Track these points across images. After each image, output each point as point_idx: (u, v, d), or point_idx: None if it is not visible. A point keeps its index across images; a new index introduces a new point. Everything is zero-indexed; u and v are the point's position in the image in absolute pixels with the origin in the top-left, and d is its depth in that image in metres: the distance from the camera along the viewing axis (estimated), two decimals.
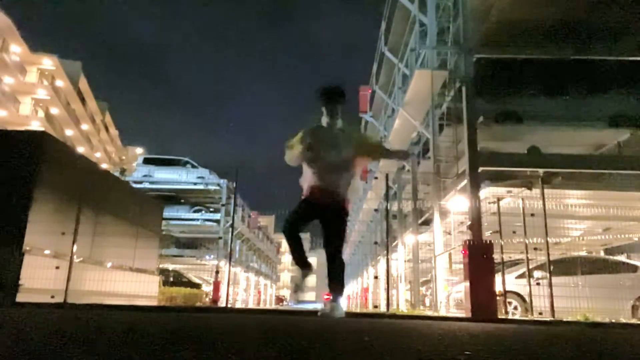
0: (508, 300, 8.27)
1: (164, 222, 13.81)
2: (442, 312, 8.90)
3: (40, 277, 6.35)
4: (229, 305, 12.54)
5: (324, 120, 3.71)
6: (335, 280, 3.54)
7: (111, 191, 9.16)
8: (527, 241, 8.29)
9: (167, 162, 21.69)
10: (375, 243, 18.39)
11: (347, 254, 39.49)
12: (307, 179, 3.67)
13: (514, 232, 9.08)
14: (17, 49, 29.68)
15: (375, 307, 16.97)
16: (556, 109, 9.84)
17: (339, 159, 3.63)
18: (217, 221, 20.48)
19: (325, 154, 3.62)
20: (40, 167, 6.66)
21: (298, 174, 3.80)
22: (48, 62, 32.10)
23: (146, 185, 20.18)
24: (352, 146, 3.71)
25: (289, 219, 3.62)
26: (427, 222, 11.88)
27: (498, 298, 7.46)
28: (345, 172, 3.68)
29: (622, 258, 11.36)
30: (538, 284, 7.90)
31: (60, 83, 33.95)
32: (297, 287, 3.86)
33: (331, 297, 3.51)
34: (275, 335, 1.99)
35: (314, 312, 6.54)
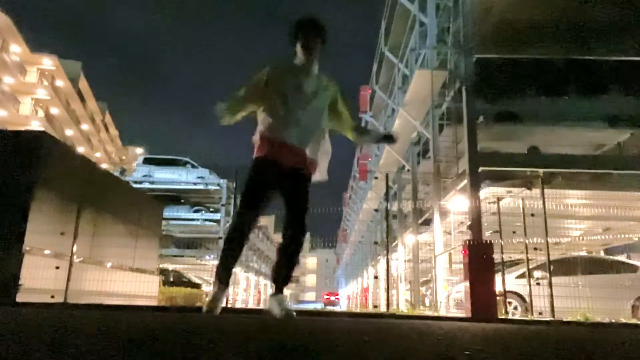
0: (508, 300, 8.27)
1: (164, 222, 13.80)
2: (442, 312, 8.90)
3: (40, 277, 6.35)
4: (229, 305, 12.54)
5: (298, 60, 2.90)
6: (290, 270, 2.95)
7: (111, 191, 9.15)
8: (527, 241, 8.29)
9: (167, 162, 21.69)
10: (375, 243, 18.39)
11: (347, 254, 39.47)
12: (264, 129, 2.87)
13: (514, 232, 9.08)
14: (17, 49, 29.70)
15: (375, 307, 16.97)
16: (556, 109, 9.84)
17: (311, 107, 2.85)
18: (217, 221, 20.48)
19: (293, 96, 2.83)
20: (40, 167, 6.65)
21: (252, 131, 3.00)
22: (48, 62, 32.13)
23: (146, 185, 20.18)
24: (328, 101, 2.97)
25: (241, 211, 2.88)
26: (427, 222, 11.88)
27: (498, 298, 7.46)
28: (317, 127, 2.93)
29: (622, 258, 11.36)
30: (538, 284, 7.90)
31: (60, 83, 33.98)
32: (212, 308, 2.84)
33: (276, 290, 2.97)
34: (275, 335, 2.00)
35: (314, 312, 6.54)
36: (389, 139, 3.19)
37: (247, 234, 2.93)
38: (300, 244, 2.89)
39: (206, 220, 20.97)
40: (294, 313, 2.89)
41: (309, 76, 2.89)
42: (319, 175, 3.07)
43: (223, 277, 2.91)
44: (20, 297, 5.90)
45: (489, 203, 9.09)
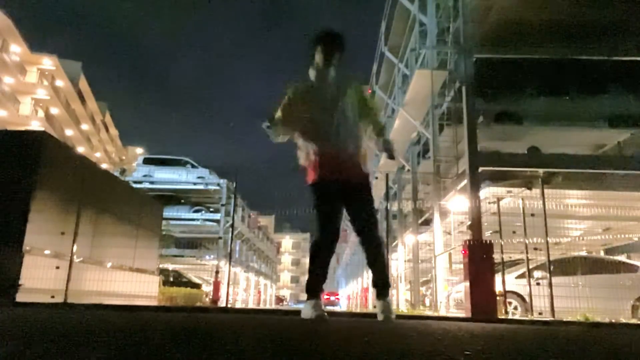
0: (508, 300, 8.27)
1: (164, 222, 13.80)
2: (442, 312, 8.90)
3: (40, 277, 6.35)
4: (229, 305, 12.54)
5: (312, 74, 3.03)
6: (382, 273, 2.97)
7: (111, 191, 9.15)
8: (527, 241, 8.28)
9: (167, 162, 21.69)
10: None
11: (347, 254, 39.49)
12: (309, 152, 2.96)
13: (514, 232, 9.08)
14: (17, 49, 29.71)
15: (375, 307, 16.95)
16: (556, 109, 9.84)
17: (338, 113, 2.92)
18: (217, 221, 20.48)
19: (319, 111, 2.93)
20: (40, 167, 6.65)
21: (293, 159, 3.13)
22: (48, 62, 32.14)
23: (146, 185, 20.18)
24: (355, 103, 3.01)
25: (321, 235, 2.88)
26: (427, 222, 11.88)
27: (498, 298, 7.46)
28: (352, 127, 2.95)
29: (622, 258, 11.36)
30: (538, 284, 7.89)
31: (60, 83, 33.99)
32: (320, 315, 2.91)
33: (379, 294, 3.00)
34: (275, 335, 1.99)
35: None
36: (390, 154, 3.20)
37: (333, 250, 3.02)
38: (376, 252, 2.95)
39: (206, 220, 20.97)
40: (394, 317, 3.00)
41: (326, 86, 2.98)
42: (393, 157, 3.14)
43: (314, 290, 3.01)
44: (20, 297, 5.90)
45: (489, 203, 9.08)
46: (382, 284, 2.98)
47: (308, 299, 2.99)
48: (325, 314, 3.01)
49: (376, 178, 16.76)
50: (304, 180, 3.03)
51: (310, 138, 2.95)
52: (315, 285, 2.99)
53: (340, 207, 2.96)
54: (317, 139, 2.93)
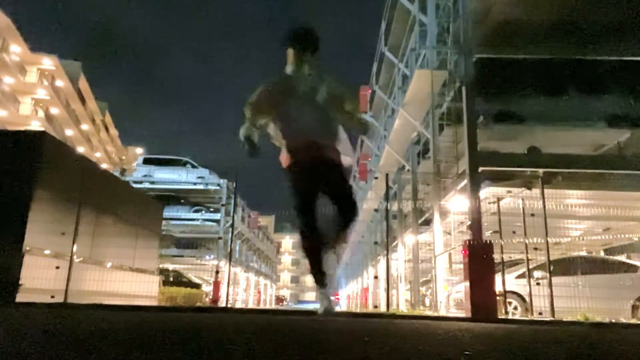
0: (508, 300, 8.27)
1: (164, 222, 13.81)
2: (442, 312, 8.90)
3: (40, 277, 6.35)
4: (229, 305, 12.54)
5: (288, 69, 3.08)
6: (344, 229, 2.94)
7: (111, 191, 9.16)
8: (527, 241, 8.29)
9: (167, 162, 21.69)
10: (375, 243, 18.39)
11: (347, 254, 39.49)
12: (283, 142, 3.05)
13: (514, 232, 9.08)
14: (17, 49, 29.70)
15: (375, 307, 16.97)
16: (556, 109, 9.83)
17: (311, 106, 2.99)
18: (217, 221, 20.48)
19: (292, 103, 2.99)
20: (40, 167, 6.65)
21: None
22: (48, 62, 32.13)
23: (146, 185, 20.18)
24: (328, 94, 3.04)
25: (301, 218, 2.95)
26: (427, 222, 11.88)
27: (498, 298, 7.46)
28: (325, 120, 3.03)
29: (622, 258, 11.36)
30: (538, 284, 7.90)
31: (60, 83, 33.99)
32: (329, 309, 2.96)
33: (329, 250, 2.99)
34: (275, 335, 1.99)
35: (314, 312, 6.53)
36: (363, 128, 3.32)
37: (319, 235, 2.99)
38: (350, 220, 2.96)
39: (206, 220, 20.97)
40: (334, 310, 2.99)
41: (300, 79, 3.03)
42: (348, 159, 3.21)
43: (319, 279, 2.99)
44: (20, 297, 5.90)
45: (489, 203, 9.08)
46: (337, 237, 2.98)
47: (319, 289, 3.04)
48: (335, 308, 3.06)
49: (376, 178, 16.77)
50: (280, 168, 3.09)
51: (282, 128, 3.02)
52: (319, 276, 3.03)
53: (315, 189, 3.00)
54: (289, 129, 3.00)
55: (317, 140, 2.98)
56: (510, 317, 7.74)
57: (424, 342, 1.79)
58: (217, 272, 14.80)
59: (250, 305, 25.54)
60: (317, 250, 3.02)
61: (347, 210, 2.97)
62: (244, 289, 25.74)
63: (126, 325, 2.37)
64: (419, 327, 2.59)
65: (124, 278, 8.63)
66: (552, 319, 6.90)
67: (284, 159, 3.05)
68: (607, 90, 10.08)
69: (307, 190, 2.99)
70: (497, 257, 7.81)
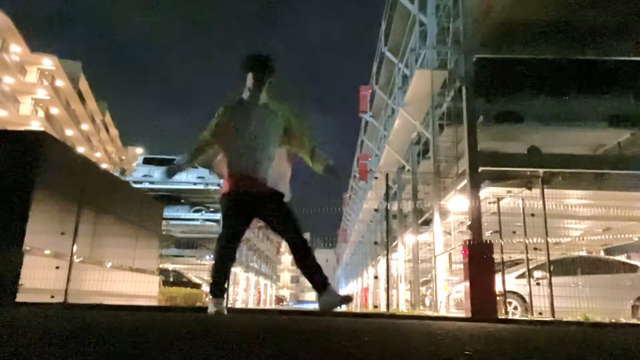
0: (508, 300, 8.27)
1: (164, 222, 13.80)
2: (442, 312, 8.90)
3: (40, 277, 6.35)
4: (229, 305, 12.53)
5: (245, 94, 3.19)
6: (318, 272, 2.98)
7: (111, 191, 9.15)
8: (527, 241, 8.28)
9: (167, 162, 21.56)
10: (375, 243, 18.39)
11: (347, 254, 39.49)
12: (227, 166, 3.13)
13: (514, 232, 9.08)
14: (17, 49, 29.70)
15: (375, 307, 16.98)
16: (556, 109, 9.83)
17: (259, 135, 3.05)
18: (217, 221, 20.46)
19: (242, 129, 3.05)
20: (40, 167, 6.65)
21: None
22: (48, 62, 32.13)
23: (146, 185, 20.18)
24: (280, 126, 3.14)
25: (223, 237, 3.13)
26: (427, 222, 11.88)
27: (498, 298, 7.46)
28: (266, 153, 3.06)
29: (622, 258, 11.36)
30: (538, 284, 7.90)
31: (60, 83, 33.98)
32: (219, 312, 3.19)
33: (322, 289, 3.00)
34: (275, 335, 2.00)
35: (314, 312, 6.54)
36: (335, 172, 3.32)
37: (234, 257, 3.24)
38: (304, 248, 3.04)
39: (206, 220, 20.96)
40: (338, 301, 3.05)
41: (255, 106, 3.12)
42: (339, 176, 3.37)
43: (217, 292, 3.22)
44: (20, 297, 5.90)
45: (489, 203, 9.08)
46: (323, 282, 3.00)
47: (211, 298, 3.25)
48: (225, 311, 3.33)
49: (376, 178, 16.76)
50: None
51: (227, 152, 3.12)
52: (216, 288, 3.23)
53: (246, 219, 3.15)
54: (233, 155, 3.09)
55: (256, 175, 3.04)
56: (510, 317, 7.74)
57: (424, 342, 1.80)
58: None
59: (250, 305, 25.55)
60: (226, 268, 3.23)
61: (294, 242, 3.03)
62: (244, 289, 25.74)
63: (126, 325, 2.37)
64: (419, 327, 2.59)
65: (124, 278, 8.63)
66: (552, 319, 6.90)
67: (224, 185, 3.16)
68: (607, 90, 10.08)
69: (238, 219, 3.13)
70: (497, 257, 7.81)
